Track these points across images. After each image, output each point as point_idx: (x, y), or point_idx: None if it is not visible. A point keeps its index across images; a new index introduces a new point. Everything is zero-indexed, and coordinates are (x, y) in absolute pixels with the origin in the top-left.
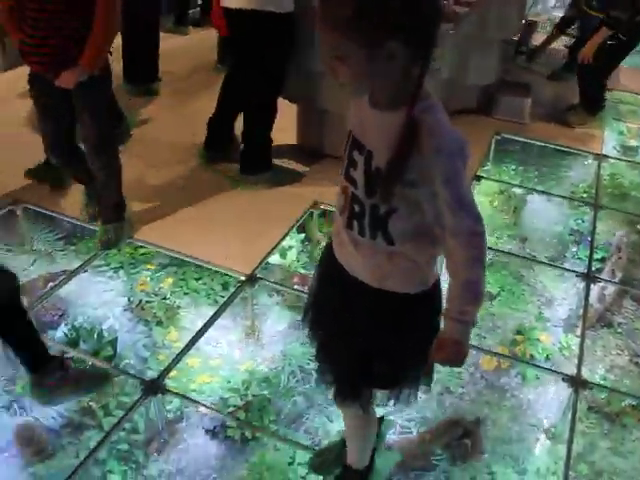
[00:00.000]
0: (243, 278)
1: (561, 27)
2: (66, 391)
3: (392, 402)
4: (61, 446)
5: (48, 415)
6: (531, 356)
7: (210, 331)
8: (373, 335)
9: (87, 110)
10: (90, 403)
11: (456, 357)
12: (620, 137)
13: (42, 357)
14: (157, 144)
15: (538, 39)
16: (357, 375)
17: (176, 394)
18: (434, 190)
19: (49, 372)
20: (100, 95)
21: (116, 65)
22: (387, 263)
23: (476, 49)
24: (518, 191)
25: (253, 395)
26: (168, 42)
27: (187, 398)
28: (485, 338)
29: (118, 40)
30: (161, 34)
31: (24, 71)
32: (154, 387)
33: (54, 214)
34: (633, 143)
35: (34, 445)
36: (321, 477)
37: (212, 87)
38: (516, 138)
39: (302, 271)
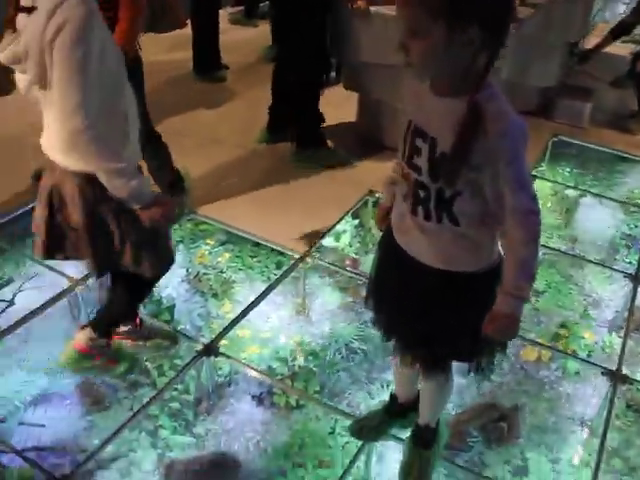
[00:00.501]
0: (297, 256)
1: (615, 33)
2: (137, 347)
3: (471, 373)
4: (117, 400)
5: None
6: (573, 351)
7: (262, 305)
8: (442, 315)
9: None
10: (146, 363)
11: (508, 331)
12: None
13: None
14: (221, 127)
15: (592, 42)
16: (436, 351)
17: (227, 358)
18: (497, 172)
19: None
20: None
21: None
22: (453, 245)
23: (538, 51)
24: (572, 193)
25: (299, 367)
26: (238, 33)
27: (237, 364)
28: (528, 331)
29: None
30: (231, 26)
31: None
32: (207, 350)
33: None
34: None
35: (93, 396)
36: (360, 444)
37: None
38: (574, 141)
39: (354, 255)
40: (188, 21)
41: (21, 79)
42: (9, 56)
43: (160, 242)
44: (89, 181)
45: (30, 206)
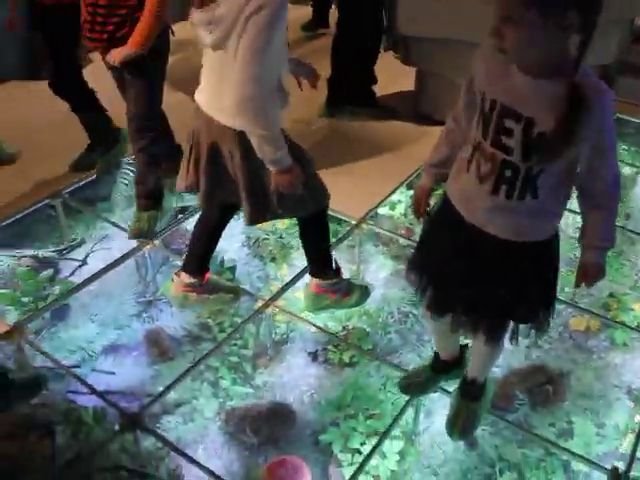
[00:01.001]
0: (353, 223)
1: None
2: (336, 300)
3: (532, 333)
4: (180, 352)
5: (171, 325)
6: (622, 322)
7: None
8: (512, 282)
9: (133, 90)
10: (207, 319)
11: (598, 278)
12: None
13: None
14: None
15: None
16: (503, 317)
17: (285, 313)
18: (597, 144)
19: (323, 278)
20: (146, 77)
21: None
22: (529, 218)
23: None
24: (628, 171)
25: (353, 326)
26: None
27: (293, 322)
28: (577, 302)
29: None
30: None
31: None
32: (265, 306)
33: None
34: None
35: (158, 347)
36: (408, 398)
37: None
38: (632, 119)
39: (408, 225)
40: None
41: (204, 37)
42: (203, 18)
43: (311, 182)
44: (246, 138)
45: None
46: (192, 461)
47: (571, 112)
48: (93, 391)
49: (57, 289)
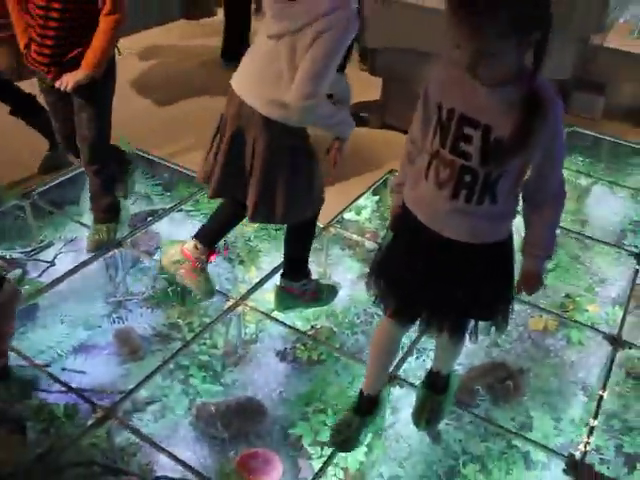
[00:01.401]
0: (321, 226)
1: None
2: (306, 300)
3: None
4: (151, 351)
5: (140, 325)
6: (576, 321)
7: None
8: (472, 282)
9: (85, 114)
10: (177, 319)
11: (538, 286)
12: None
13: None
14: None
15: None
16: (466, 315)
17: (254, 313)
18: (548, 150)
19: (295, 280)
20: (100, 99)
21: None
22: (486, 221)
23: (554, 45)
24: (584, 181)
25: (321, 326)
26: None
27: (262, 322)
28: (536, 303)
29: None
30: None
31: None
32: (235, 305)
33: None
34: None
35: (129, 346)
36: None
37: None
38: (588, 132)
39: (374, 229)
40: None
41: (270, 24)
42: (277, 6)
43: (315, 184)
44: (278, 131)
45: (69, 175)
46: (168, 454)
47: (527, 118)
48: (66, 387)
49: (26, 289)
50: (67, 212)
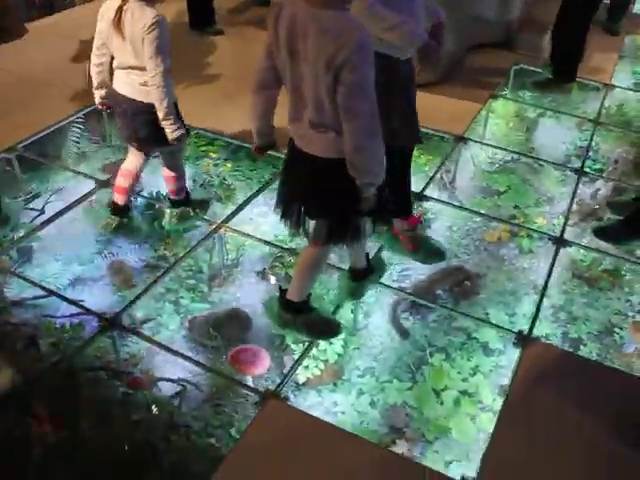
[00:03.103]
0: None
1: None
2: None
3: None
4: (142, 279)
5: (131, 259)
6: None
7: (261, 207)
8: (328, 187)
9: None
10: (164, 251)
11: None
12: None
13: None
14: (222, 76)
15: None
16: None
17: (234, 237)
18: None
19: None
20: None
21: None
22: (327, 139)
23: None
24: (532, 113)
25: (297, 244)
26: None
27: (242, 245)
28: (490, 218)
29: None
30: None
31: None
32: (217, 229)
33: None
34: None
35: (122, 276)
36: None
37: None
38: (534, 69)
39: None
40: None
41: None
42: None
43: None
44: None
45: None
46: (176, 354)
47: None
48: (72, 302)
49: (21, 233)
50: (53, 162)
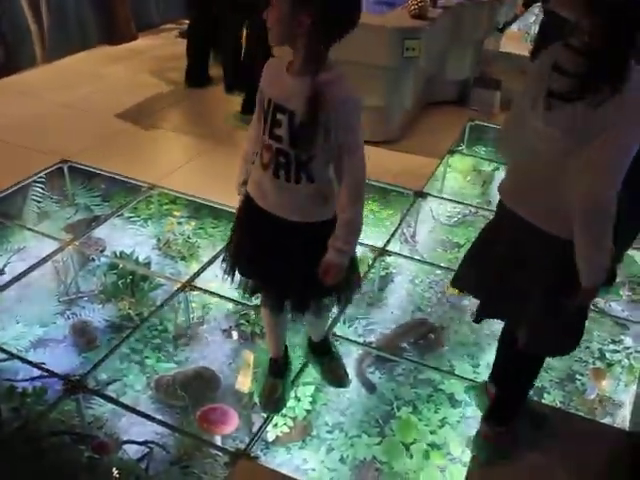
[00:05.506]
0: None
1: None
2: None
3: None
4: (107, 340)
5: (95, 319)
6: None
7: None
8: (302, 257)
9: None
10: (129, 310)
11: (338, 276)
12: None
13: None
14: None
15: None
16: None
17: (199, 296)
18: (339, 138)
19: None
20: None
21: None
22: (307, 200)
23: (452, 48)
24: (488, 167)
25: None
26: None
27: (208, 303)
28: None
29: None
30: None
31: None
32: (182, 288)
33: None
34: None
35: (85, 337)
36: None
37: None
38: (487, 125)
39: None
40: None
41: (548, 139)
42: (555, 119)
43: None
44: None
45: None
46: (143, 415)
47: (312, 105)
48: (36, 366)
49: None
50: (14, 222)
